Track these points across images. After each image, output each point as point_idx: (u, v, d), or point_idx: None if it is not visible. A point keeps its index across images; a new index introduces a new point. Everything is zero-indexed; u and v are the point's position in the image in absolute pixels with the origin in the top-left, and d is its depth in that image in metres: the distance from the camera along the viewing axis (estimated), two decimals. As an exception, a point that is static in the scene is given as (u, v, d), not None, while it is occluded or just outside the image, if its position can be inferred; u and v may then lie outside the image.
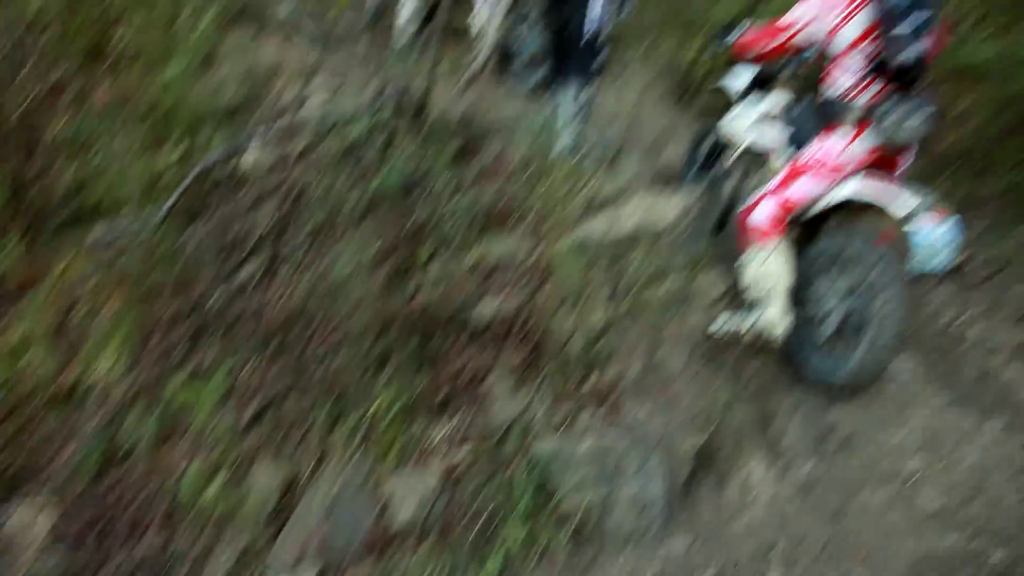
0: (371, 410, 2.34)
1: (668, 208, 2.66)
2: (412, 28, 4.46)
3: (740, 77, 3.50)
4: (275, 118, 3.01)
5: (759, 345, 2.90)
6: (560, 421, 2.41)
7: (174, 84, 3.26)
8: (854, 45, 2.74)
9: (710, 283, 2.77)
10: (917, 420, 2.94)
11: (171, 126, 3.18)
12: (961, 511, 2.59)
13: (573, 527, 2.25)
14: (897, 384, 3.05)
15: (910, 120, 2.66)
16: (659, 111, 4.83)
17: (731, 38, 3.17)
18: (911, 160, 3.02)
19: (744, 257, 2.92)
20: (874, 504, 2.61)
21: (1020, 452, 2.85)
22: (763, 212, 2.88)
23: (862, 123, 2.77)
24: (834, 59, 2.84)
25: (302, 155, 2.91)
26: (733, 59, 3.37)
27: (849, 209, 2.93)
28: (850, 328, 2.84)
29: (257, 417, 2.39)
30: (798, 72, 3.27)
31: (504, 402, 2.43)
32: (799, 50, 3.00)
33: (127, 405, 2.41)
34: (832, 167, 2.82)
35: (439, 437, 2.34)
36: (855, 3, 2.71)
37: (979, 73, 4.29)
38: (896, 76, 2.68)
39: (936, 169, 4.44)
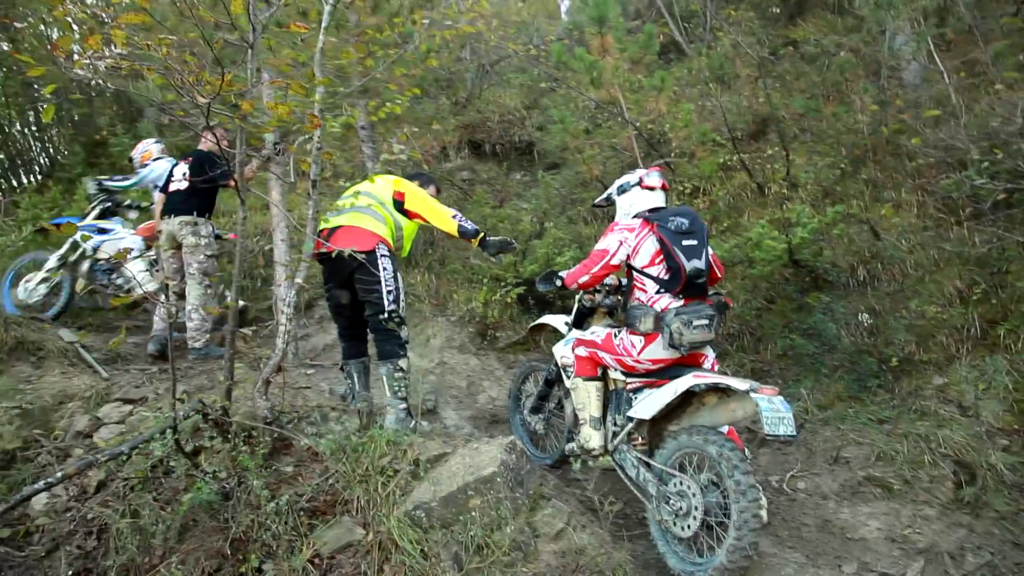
0: None
1: (491, 453, 2.67)
2: (206, 333, 4.43)
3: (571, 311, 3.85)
4: (65, 454, 2.78)
5: (584, 457, 3.43)
6: None
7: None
8: (651, 263, 3.24)
9: (552, 514, 2.74)
10: (781, 590, 3.00)
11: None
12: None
13: None
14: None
15: (688, 328, 3.05)
16: (464, 358, 5.11)
17: (554, 282, 3.58)
18: (713, 356, 3.41)
19: (571, 381, 3.59)
20: None
21: (880, 585, 2.98)
22: (584, 349, 3.50)
23: (653, 333, 3.16)
24: (636, 275, 3.30)
25: (101, 486, 2.67)
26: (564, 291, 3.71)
27: (690, 403, 3.16)
28: (712, 524, 2.85)
29: None
30: (611, 302, 3.73)
31: None
32: (612, 271, 3.42)
33: None
34: (633, 359, 3.27)
35: None
36: (642, 232, 3.27)
37: (727, 261, 5.09)
38: (687, 287, 3.17)
39: (726, 344, 5.06)
